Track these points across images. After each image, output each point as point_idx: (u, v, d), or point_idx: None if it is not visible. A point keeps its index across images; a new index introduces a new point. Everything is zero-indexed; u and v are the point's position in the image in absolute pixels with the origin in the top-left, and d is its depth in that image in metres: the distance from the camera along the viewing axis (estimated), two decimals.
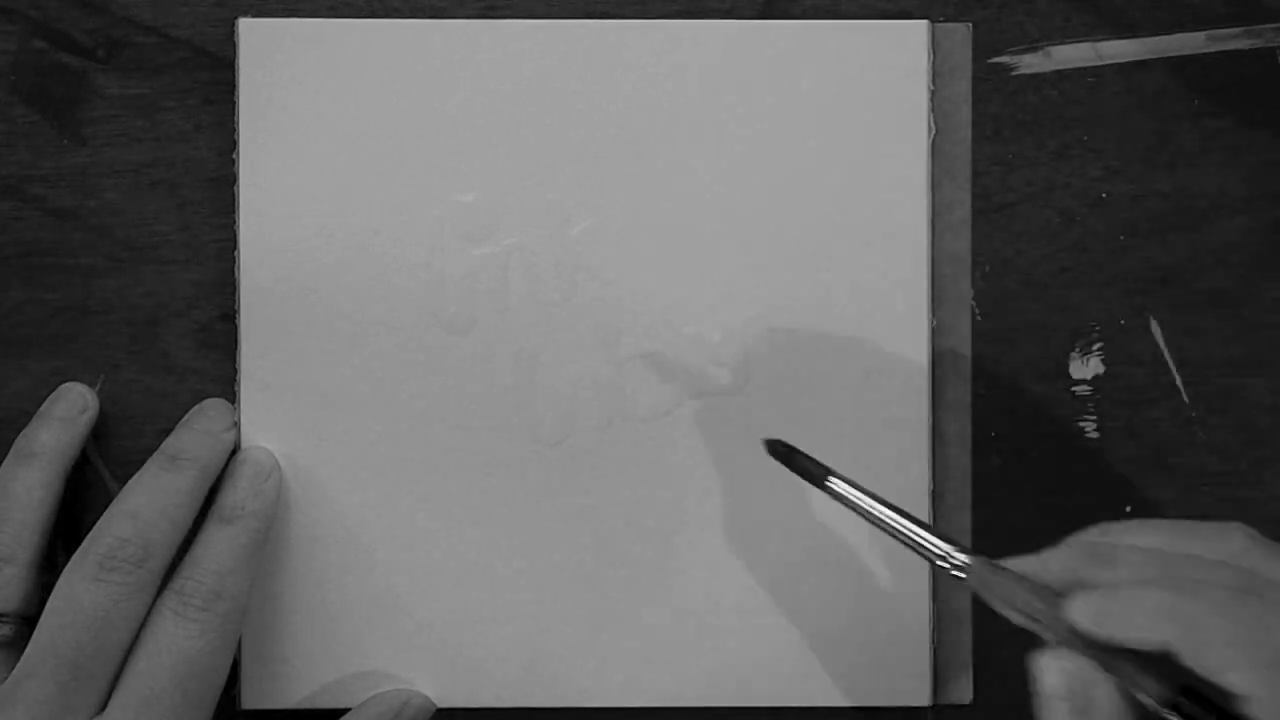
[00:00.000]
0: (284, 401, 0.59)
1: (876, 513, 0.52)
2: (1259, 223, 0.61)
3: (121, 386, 0.60)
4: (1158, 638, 0.47)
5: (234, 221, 0.60)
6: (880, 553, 0.60)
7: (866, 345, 0.60)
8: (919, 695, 0.60)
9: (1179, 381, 0.61)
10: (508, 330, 0.60)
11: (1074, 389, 0.61)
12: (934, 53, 0.60)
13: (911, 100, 0.60)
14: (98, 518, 0.58)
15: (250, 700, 0.59)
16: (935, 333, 0.60)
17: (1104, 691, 0.48)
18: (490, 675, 0.60)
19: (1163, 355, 0.61)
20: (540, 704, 0.60)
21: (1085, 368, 0.61)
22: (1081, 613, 0.48)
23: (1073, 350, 0.61)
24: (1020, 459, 0.61)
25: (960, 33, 0.61)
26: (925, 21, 0.60)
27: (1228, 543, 0.50)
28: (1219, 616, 0.46)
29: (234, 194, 0.60)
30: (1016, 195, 0.61)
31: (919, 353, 0.60)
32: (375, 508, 0.59)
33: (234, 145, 0.60)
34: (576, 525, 0.60)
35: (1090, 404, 0.61)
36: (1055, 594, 0.49)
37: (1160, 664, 0.47)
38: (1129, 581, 0.48)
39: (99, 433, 0.60)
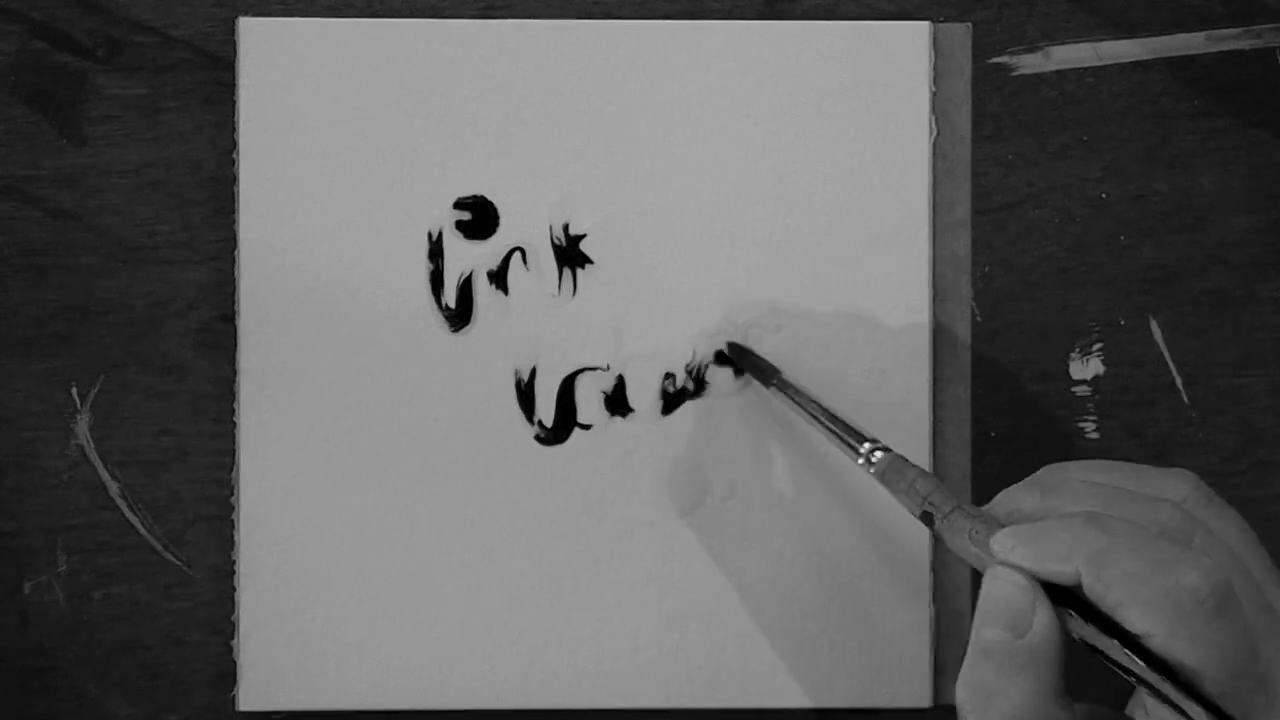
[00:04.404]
0: (284, 401, 0.59)
1: (815, 413, 0.56)
2: (1259, 223, 0.61)
3: (121, 386, 0.60)
4: (1068, 569, 0.45)
5: (234, 221, 0.60)
6: (880, 552, 0.60)
7: (867, 345, 0.60)
8: (919, 696, 0.60)
9: (1179, 381, 0.61)
10: (508, 330, 0.60)
11: (1074, 389, 0.61)
12: (934, 53, 0.60)
13: (912, 101, 0.60)
14: (97, 517, 0.58)
15: (248, 701, 0.59)
16: (935, 333, 0.60)
17: (1044, 614, 0.46)
18: (490, 675, 0.60)
19: (1163, 355, 0.61)
20: (540, 704, 0.60)
21: (1085, 368, 0.61)
22: (1001, 541, 0.47)
23: (1073, 350, 0.61)
24: (1020, 459, 0.61)
25: (960, 33, 0.61)
26: (926, 23, 0.60)
27: (1173, 486, 0.49)
28: (1127, 552, 0.45)
29: (234, 194, 0.60)
30: (1016, 195, 0.61)
31: (919, 353, 0.60)
32: (375, 507, 0.59)
33: (234, 145, 0.60)
34: (577, 525, 0.60)
35: (1090, 404, 0.61)
36: (999, 525, 0.48)
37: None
38: (1058, 513, 0.47)
39: (99, 433, 0.60)
